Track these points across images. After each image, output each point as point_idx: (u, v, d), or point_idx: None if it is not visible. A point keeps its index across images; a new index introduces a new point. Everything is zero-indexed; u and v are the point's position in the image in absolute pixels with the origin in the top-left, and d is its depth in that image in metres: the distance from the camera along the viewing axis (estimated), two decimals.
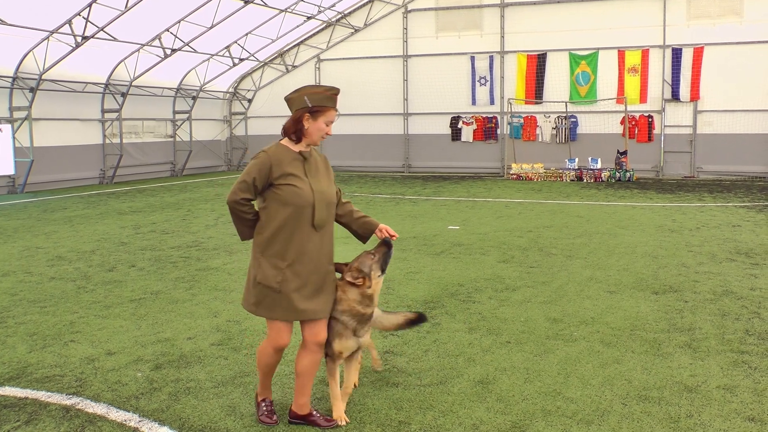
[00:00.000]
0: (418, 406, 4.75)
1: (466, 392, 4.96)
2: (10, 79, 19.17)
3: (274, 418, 4.55)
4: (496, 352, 5.81)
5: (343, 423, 4.46)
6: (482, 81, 25.08)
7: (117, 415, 4.65)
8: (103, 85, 22.19)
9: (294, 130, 4.35)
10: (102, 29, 18.72)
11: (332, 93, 4.34)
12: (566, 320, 6.69)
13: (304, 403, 4.49)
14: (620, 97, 23.12)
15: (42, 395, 5.00)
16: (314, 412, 4.52)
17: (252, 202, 4.38)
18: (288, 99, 4.36)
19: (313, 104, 4.28)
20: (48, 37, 18.41)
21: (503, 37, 24.54)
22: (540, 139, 24.52)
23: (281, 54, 27.42)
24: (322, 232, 4.37)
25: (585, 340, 6.09)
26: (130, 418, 4.59)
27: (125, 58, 21.65)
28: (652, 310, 6.99)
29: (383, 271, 4.47)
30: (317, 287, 4.35)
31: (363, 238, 4.71)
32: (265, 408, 4.58)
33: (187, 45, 22.43)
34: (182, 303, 7.52)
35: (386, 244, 4.51)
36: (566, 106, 23.92)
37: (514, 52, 24.50)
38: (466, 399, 4.85)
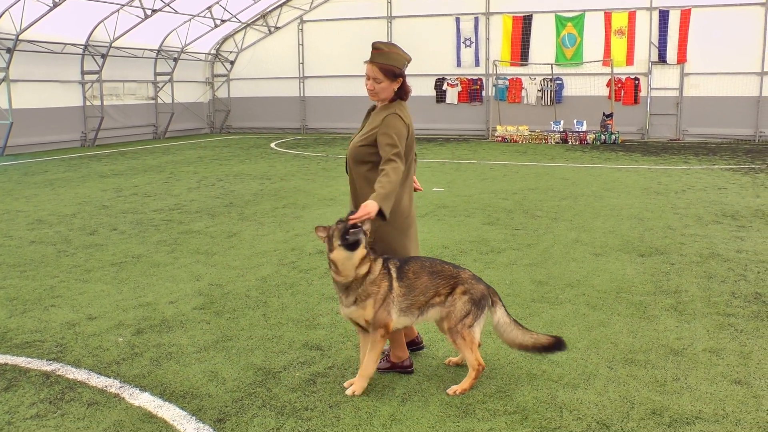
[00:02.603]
0: None
1: (450, 356, 4.92)
2: None
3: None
4: None
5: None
6: (467, 42, 24.84)
7: (98, 380, 4.58)
8: (82, 47, 21.76)
9: None
10: None
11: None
12: (552, 283, 6.66)
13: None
14: (606, 60, 22.98)
15: (22, 361, 4.92)
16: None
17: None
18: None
19: None
20: None
21: None
22: (525, 102, 24.40)
23: (264, 15, 27.00)
24: (352, 180, 4.65)
25: (571, 303, 6.07)
26: (111, 384, 4.52)
27: (104, 19, 21.21)
28: (638, 273, 6.97)
29: (343, 244, 4.19)
30: None
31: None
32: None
33: (168, 5, 22.00)
34: (164, 266, 7.43)
35: (339, 221, 4.28)
36: (552, 68, 23.76)
37: (500, 13, 24.25)
38: None
